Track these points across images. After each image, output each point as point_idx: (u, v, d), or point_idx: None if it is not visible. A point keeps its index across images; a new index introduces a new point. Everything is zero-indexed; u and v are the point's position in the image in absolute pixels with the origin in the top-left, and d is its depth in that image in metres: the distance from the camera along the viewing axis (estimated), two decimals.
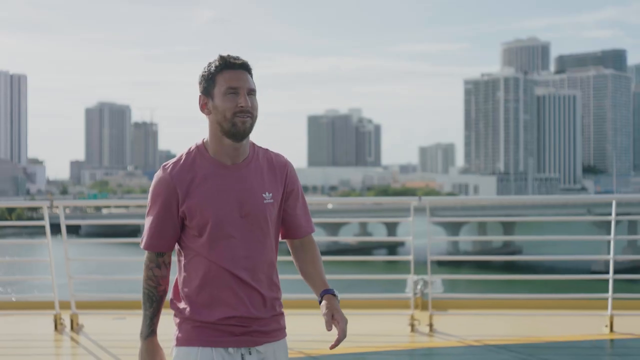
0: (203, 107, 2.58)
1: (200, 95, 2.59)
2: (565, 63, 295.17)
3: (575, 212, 69.10)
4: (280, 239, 2.73)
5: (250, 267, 2.54)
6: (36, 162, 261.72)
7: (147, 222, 2.58)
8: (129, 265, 44.76)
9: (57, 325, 6.66)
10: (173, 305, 2.61)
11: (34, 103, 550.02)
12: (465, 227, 76.04)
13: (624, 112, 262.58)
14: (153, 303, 2.59)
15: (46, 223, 6.71)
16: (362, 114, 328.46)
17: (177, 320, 2.60)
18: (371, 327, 6.63)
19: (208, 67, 2.57)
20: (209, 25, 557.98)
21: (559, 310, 7.10)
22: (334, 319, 2.52)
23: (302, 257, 2.73)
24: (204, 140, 2.61)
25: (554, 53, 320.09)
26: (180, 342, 2.57)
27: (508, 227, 70.85)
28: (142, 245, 2.60)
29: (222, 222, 2.51)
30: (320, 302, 2.62)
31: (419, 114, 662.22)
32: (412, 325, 6.45)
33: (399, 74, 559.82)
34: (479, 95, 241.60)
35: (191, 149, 2.60)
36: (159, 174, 2.58)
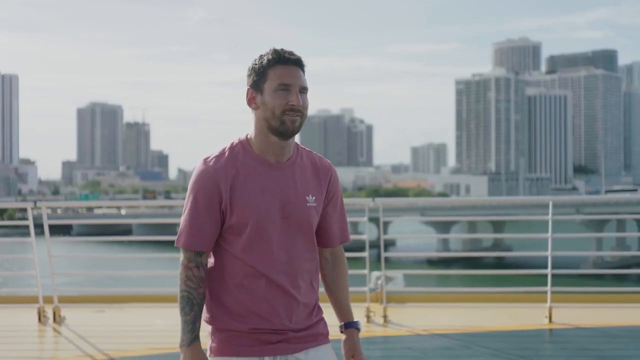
0: (251, 100, 2.46)
1: (248, 89, 2.46)
2: (556, 63, 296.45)
3: (564, 212, 70.30)
4: None
5: (290, 272, 2.43)
6: (28, 162, 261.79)
7: (186, 218, 2.42)
8: (112, 261, 45.72)
9: (41, 317, 7.20)
10: (204, 312, 2.50)
11: (28, 103, 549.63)
12: (455, 226, 77.03)
13: (614, 112, 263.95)
14: (194, 307, 2.40)
15: (30, 223, 7.25)
16: (354, 114, 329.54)
17: (210, 328, 2.48)
18: (328, 318, 7.17)
19: (260, 59, 2.44)
20: (205, 25, 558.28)
21: (505, 302, 7.70)
22: (353, 358, 2.57)
23: (331, 272, 2.65)
24: (248, 136, 2.49)
25: (546, 53, 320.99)
26: (214, 352, 2.44)
27: (497, 226, 72.18)
28: (180, 244, 2.42)
29: (263, 222, 2.39)
30: (341, 330, 2.62)
31: (412, 114, 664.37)
32: (368, 317, 7.02)
33: (392, 74, 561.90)
34: (470, 95, 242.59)
35: (234, 144, 2.48)
36: (200, 167, 2.43)
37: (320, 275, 2.61)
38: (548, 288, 7.05)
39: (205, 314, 2.47)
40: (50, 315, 7.23)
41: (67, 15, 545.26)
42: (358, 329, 2.60)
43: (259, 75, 2.43)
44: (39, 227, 7.36)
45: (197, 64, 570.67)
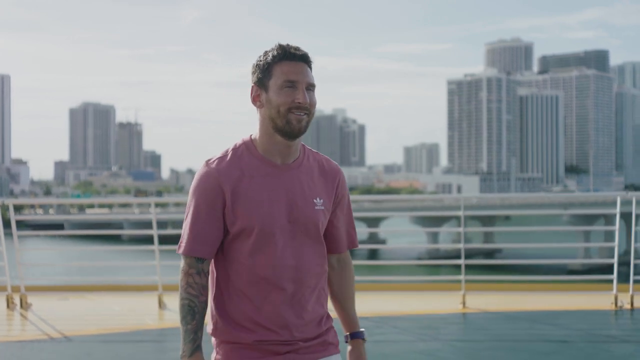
0: (255, 99, 2.33)
1: (253, 86, 2.34)
2: (549, 63, 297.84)
3: (554, 211, 71.84)
4: None
5: (299, 279, 2.29)
6: (20, 162, 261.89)
7: (187, 224, 2.30)
8: (96, 254, 46.95)
9: (9, 304, 8.06)
10: (208, 324, 2.38)
11: (20, 103, 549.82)
12: (447, 223, 78.43)
13: (606, 112, 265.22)
14: (195, 315, 2.25)
15: None
16: (347, 114, 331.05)
17: (214, 340, 2.34)
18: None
19: (264, 55, 2.31)
20: (198, 26, 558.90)
21: (425, 290, 8.59)
22: None
23: (338, 279, 2.50)
24: (252, 137, 2.36)
25: (538, 53, 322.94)
26: None
27: (488, 224, 73.72)
28: (181, 250, 2.29)
29: (270, 226, 2.26)
30: (346, 341, 2.46)
31: (405, 114, 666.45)
32: None
33: (384, 74, 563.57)
34: (462, 95, 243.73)
35: (237, 145, 2.35)
36: (202, 169, 2.30)
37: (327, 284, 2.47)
38: (462, 277, 7.94)
39: (209, 326, 2.35)
40: (17, 302, 8.09)
41: (59, 15, 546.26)
42: (364, 339, 2.45)
43: (263, 72, 2.30)
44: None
45: (190, 64, 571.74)
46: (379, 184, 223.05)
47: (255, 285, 2.26)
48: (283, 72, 2.26)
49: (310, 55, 2.32)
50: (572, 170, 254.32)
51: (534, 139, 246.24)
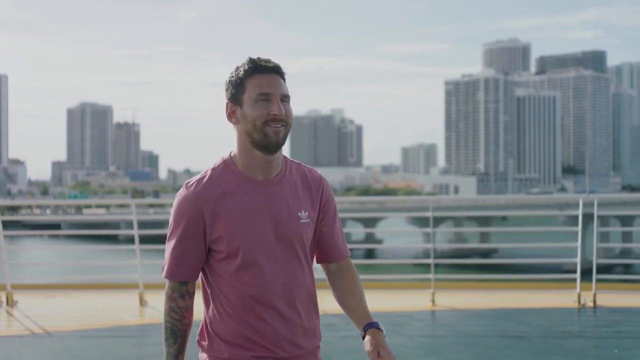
0: (230, 115, 2.30)
1: (227, 103, 2.31)
2: (546, 64, 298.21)
3: (548, 211, 72.36)
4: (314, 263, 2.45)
5: (288, 295, 2.27)
6: (17, 162, 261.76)
7: (169, 248, 2.30)
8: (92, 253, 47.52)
9: None
10: (200, 342, 2.35)
11: (17, 103, 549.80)
12: (442, 224, 78.96)
13: (603, 113, 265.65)
14: (177, 339, 2.28)
15: None
16: (345, 114, 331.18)
17: (205, 356, 2.33)
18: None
19: (236, 71, 2.29)
20: (196, 26, 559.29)
21: (399, 289, 8.92)
22: (380, 356, 2.24)
23: (341, 284, 2.44)
24: (232, 154, 2.33)
25: (536, 54, 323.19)
26: None
27: (484, 224, 74.17)
28: (163, 274, 2.31)
29: (255, 245, 2.23)
30: (363, 337, 2.31)
31: (402, 115, 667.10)
32: None
33: (382, 74, 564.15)
34: (460, 96, 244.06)
35: (217, 164, 2.32)
36: (182, 192, 2.28)
37: (332, 291, 2.45)
38: (431, 276, 8.26)
39: (202, 342, 2.34)
40: (4, 299, 8.41)
41: (57, 15, 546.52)
42: (380, 329, 2.31)
43: (236, 88, 2.27)
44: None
45: (188, 64, 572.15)
46: (376, 185, 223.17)
47: (246, 303, 2.25)
48: (256, 86, 2.24)
49: (282, 67, 2.31)
50: (570, 170, 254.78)
51: (531, 140, 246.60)
